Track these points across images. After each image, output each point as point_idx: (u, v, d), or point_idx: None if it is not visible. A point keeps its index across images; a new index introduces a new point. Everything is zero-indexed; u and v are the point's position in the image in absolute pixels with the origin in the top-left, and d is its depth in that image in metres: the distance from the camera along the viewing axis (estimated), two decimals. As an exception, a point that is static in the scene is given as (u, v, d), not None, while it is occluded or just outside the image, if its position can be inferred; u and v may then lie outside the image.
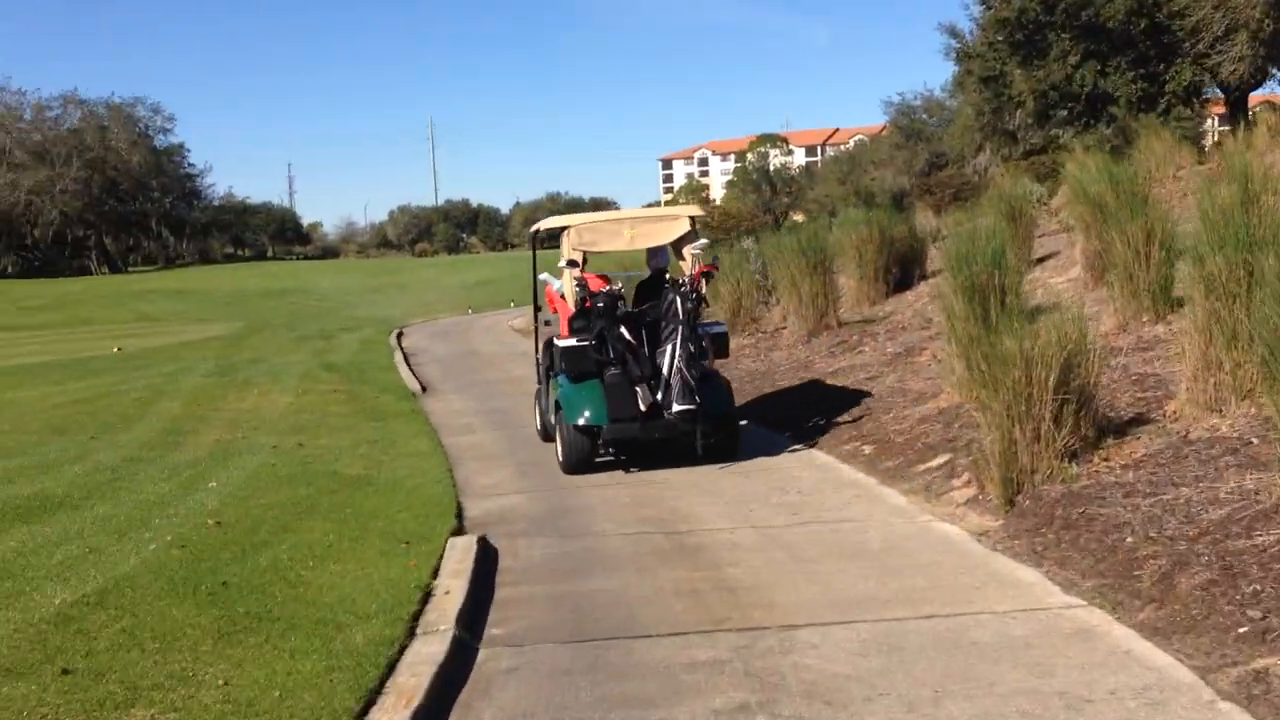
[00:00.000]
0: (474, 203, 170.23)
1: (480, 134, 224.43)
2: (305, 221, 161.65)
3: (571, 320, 10.00)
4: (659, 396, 9.34)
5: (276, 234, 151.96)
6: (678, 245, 10.40)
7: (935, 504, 7.65)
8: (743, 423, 10.49)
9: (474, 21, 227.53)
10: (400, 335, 28.05)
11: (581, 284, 9.88)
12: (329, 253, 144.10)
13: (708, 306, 10.61)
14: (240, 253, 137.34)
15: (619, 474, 9.59)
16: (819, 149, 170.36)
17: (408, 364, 20.48)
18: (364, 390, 15.95)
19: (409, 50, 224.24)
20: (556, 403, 9.94)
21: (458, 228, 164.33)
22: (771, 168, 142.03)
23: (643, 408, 9.36)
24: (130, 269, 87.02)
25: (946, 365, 9.92)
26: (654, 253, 10.63)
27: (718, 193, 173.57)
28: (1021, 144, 62.59)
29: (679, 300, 9.40)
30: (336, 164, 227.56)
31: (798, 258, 14.92)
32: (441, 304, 41.39)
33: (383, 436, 11.83)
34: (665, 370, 9.31)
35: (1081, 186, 12.66)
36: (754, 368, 14.49)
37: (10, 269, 78.23)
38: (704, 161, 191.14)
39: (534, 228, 12.49)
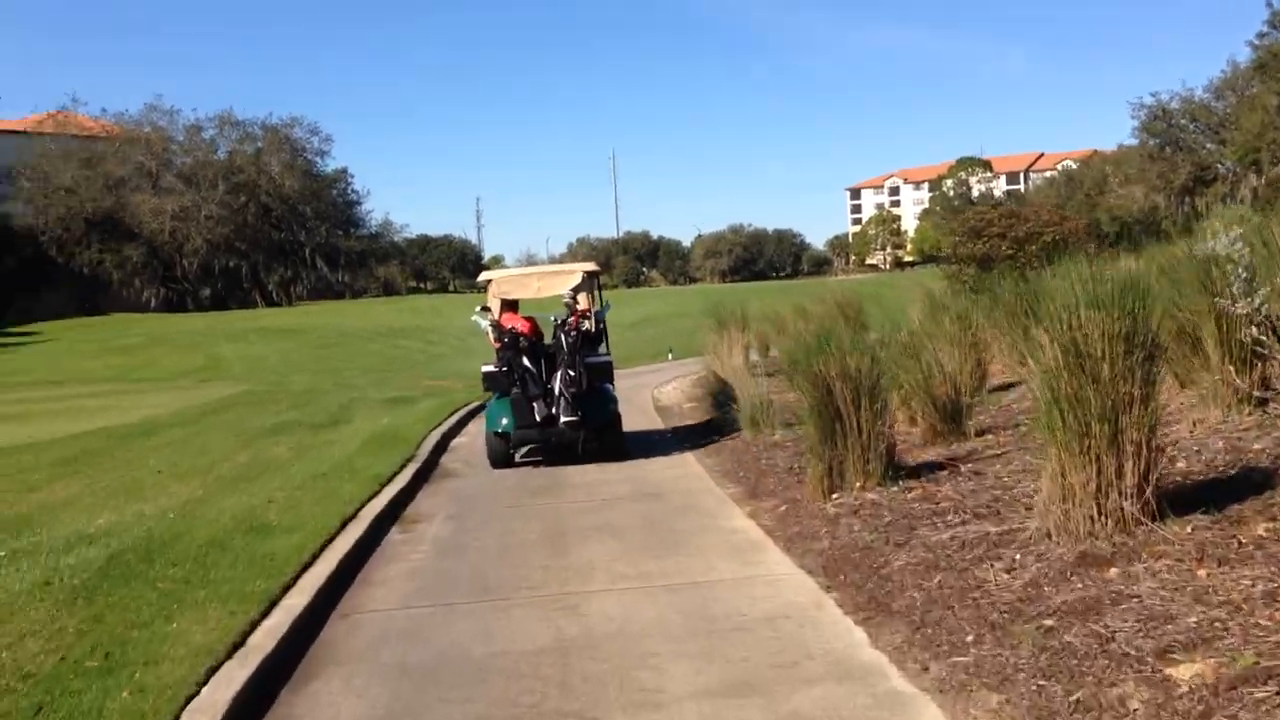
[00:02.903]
0: (654, 235, 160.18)
1: (663, 165, 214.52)
2: (488, 254, 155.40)
3: (497, 352, 11.86)
4: (552, 410, 11.43)
5: (458, 266, 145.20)
6: (576, 293, 12.22)
7: None
8: None
9: (657, 51, 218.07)
10: (474, 413, 16.41)
11: (494, 324, 11.97)
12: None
13: (589, 341, 11.93)
14: (423, 286, 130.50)
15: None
16: (1021, 175, 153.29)
17: (395, 517, 8.72)
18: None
19: (592, 81, 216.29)
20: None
21: (638, 260, 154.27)
22: (974, 193, 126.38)
23: (538, 418, 11.47)
24: (296, 302, 79.09)
25: None
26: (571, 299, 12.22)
27: (910, 223, 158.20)
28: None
29: (564, 337, 11.49)
30: (523, 198, 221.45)
31: None
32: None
33: None
34: (556, 390, 11.41)
35: None
36: None
37: (154, 301, 70.86)
38: (895, 190, 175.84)
39: (479, 279, 13.73)
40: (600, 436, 11.73)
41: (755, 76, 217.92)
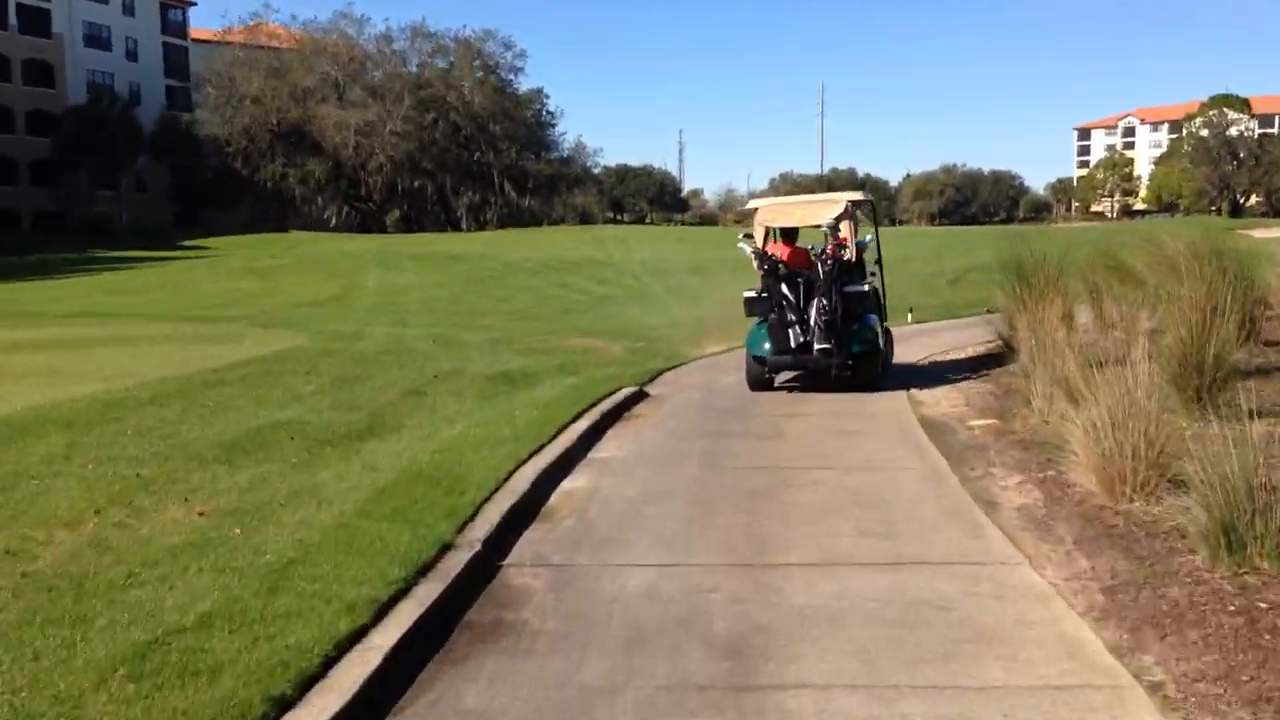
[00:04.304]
0: (860, 173, 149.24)
1: (874, 101, 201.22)
2: (688, 188, 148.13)
3: (761, 278, 11.83)
4: (806, 337, 11.46)
5: (656, 199, 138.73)
6: (838, 222, 11.86)
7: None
8: None
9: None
10: (627, 406, 9.84)
11: (757, 251, 11.86)
12: (707, 220, 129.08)
13: (846, 271, 11.78)
14: (619, 217, 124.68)
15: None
16: (1278, 119, 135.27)
17: None
18: None
19: (802, 8, 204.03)
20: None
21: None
22: (1231, 134, 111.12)
23: (793, 344, 11.54)
24: (487, 227, 74.34)
25: None
26: (832, 228, 11.93)
27: (1144, 167, 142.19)
28: None
29: (820, 266, 11.47)
30: (726, 131, 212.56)
31: None
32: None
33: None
34: (811, 319, 11.42)
35: None
36: None
37: (334, 220, 67.17)
38: (1129, 131, 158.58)
39: (747, 206, 14.31)
40: (855, 368, 11.88)
41: (974, 7, 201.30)
